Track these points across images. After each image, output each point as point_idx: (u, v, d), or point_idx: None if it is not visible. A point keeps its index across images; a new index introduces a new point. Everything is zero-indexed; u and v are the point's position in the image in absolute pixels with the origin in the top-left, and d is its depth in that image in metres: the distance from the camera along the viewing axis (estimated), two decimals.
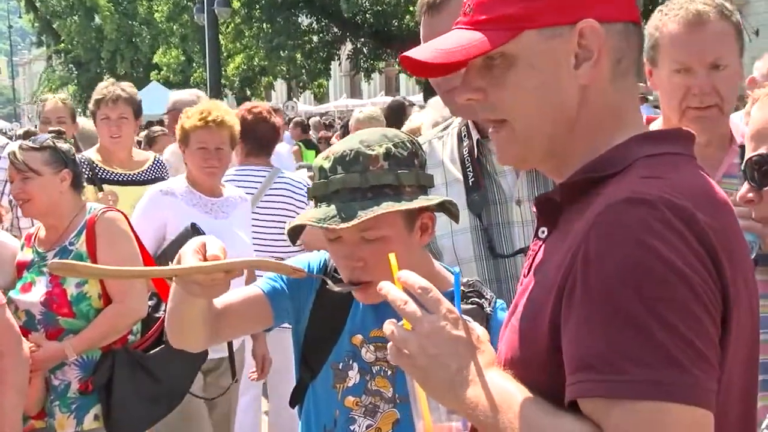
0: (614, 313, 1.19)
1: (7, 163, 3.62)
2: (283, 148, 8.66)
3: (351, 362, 2.08)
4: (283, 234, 4.06)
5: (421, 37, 2.32)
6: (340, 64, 33.30)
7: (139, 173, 4.97)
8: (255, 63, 30.04)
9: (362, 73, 29.64)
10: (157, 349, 3.56)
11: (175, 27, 37.31)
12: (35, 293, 3.48)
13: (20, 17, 63.35)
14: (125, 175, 4.93)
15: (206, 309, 1.93)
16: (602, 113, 1.37)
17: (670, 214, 1.21)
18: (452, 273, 2.00)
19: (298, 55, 27.73)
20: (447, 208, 2.03)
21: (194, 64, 36.95)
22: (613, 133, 1.37)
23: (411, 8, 21.70)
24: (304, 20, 27.69)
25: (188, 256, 1.71)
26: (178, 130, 4.23)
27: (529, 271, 1.41)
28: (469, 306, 2.01)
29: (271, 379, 4.75)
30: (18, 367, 3.29)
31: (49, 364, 3.44)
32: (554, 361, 1.26)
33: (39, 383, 3.43)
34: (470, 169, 2.44)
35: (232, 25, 27.74)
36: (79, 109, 5.84)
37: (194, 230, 3.87)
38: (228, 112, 4.25)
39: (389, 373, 2.06)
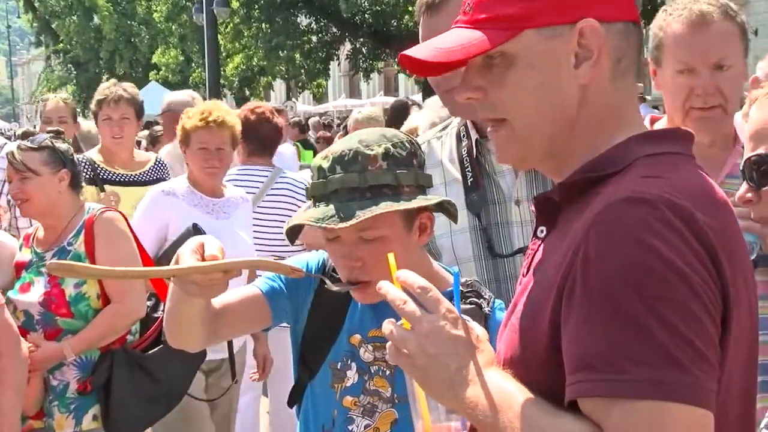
0: (614, 312, 1.19)
1: (6, 163, 3.62)
2: (287, 149, 8.63)
3: (349, 362, 2.08)
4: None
5: (420, 38, 2.31)
6: (339, 64, 33.32)
7: (140, 174, 4.97)
8: (254, 63, 30.04)
9: (361, 73, 29.67)
10: (156, 349, 3.56)
11: (173, 27, 37.31)
12: (34, 293, 3.47)
13: (19, 17, 63.37)
14: (127, 175, 4.93)
15: (204, 309, 1.93)
16: (602, 113, 1.37)
17: (670, 213, 1.21)
18: (451, 273, 2.00)
19: (297, 55, 27.74)
20: (445, 208, 2.03)
21: (193, 64, 36.96)
22: (613, 133, 1.37)
23: (410, 8, 21.72)
24: (303, 20, 27.71)
25: (186, 257, 1.71)
26: (179, 131, 4.23)
27: (528, 271, 1.41)
28: (468, 306, 2.01)
29: (271, 379, 4.76)
30: (16, 367, 3.29)
31: (47, 365, 3.44)
32: (554, 360, 1.25)
33: (37, 383, 3.43)
34: (469, 169, 2.44)
35: (231, 25, 27.75)
36: (78, 109, 5.85)
37: (196, 231, 3.87)
38: (229, 112, 4.25)
39: (388, 373, 2.06)
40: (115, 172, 4.90)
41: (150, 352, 3.57)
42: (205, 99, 7.00)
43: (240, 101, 30.51)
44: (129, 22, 43.14)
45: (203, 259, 1.70)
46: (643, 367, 1.16)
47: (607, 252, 1.21)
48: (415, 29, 2.48)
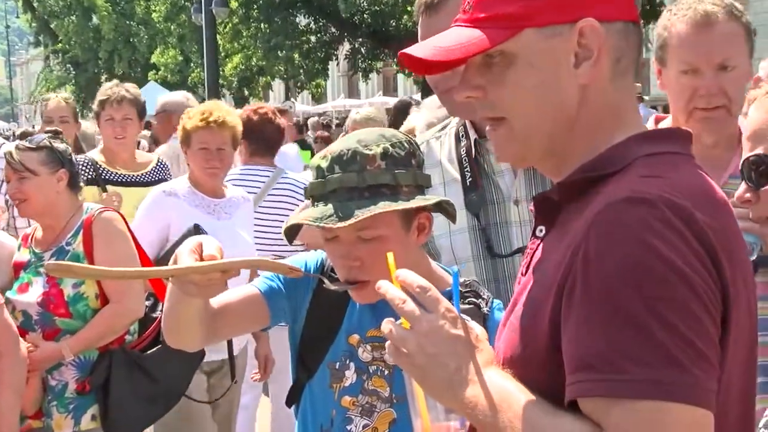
0: (614, 312, 1.18)
1: (4, 163, 3.61)
2: (292, 149, 8.57)
3: (348, 362, 2.08)
4: None
5: (418, 38, 2.31)
6: (337, 64, 33.30)
7: (142, 174, 4.98)
8: (253, 63, 30.02)
9: (360, 74, 29.65)
10: (155, 349, 3.56)
11: (172, 27, 37.29)
12: (32, 294, 3.47)
13: (17, 17, 63.35)
14: (129, 176, 4.93)
15: (203, 309, 1.93)
16: (602, 112, 1.37)
17: (670, 213, 1.21)
18: (450, 273, 2.00)
19: (296, 55, 27.72)
20: (444, 208, 2.03)
21: (192, 64, 36.94)
22: (612, 132, 1.37)
23: (409, 8, 21.70)
24: (302, 20, 27.68)
25: (184, 256, 1.71)
26: (179, 131, 4.22)
27: (527, 270, 1.41)
28: (466, 306, 2.00)
29: (272, 379, 4.76)
30: (15, 366, 3.29)
31: (46, 365, 3.44)
32: (554, 359, 1.25)
33: (36, 383, 3.43)
34: (468, 169, 2.44)
35: (230, 25, 27.72)
36: (77, 109, 5.87)
37: (197, 232, 3.86)
38: (229, 112, 4.25)
39: (386, 372, 2.06)
40: (117, 173, 4.91)
41: (148, 352, 3.57)
42: (204, 99, 7.00)
43: (239, 101, 30.51)
44: (128, 22, 43.11)
45: (201, 259, 1.70)
46: (643, 367, 1.16)
47: (607, 252, 1.20)
48: (414, 29, 2.48)
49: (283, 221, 4.90)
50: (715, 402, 1.19)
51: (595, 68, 1.35)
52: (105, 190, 4.79)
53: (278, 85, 41.10)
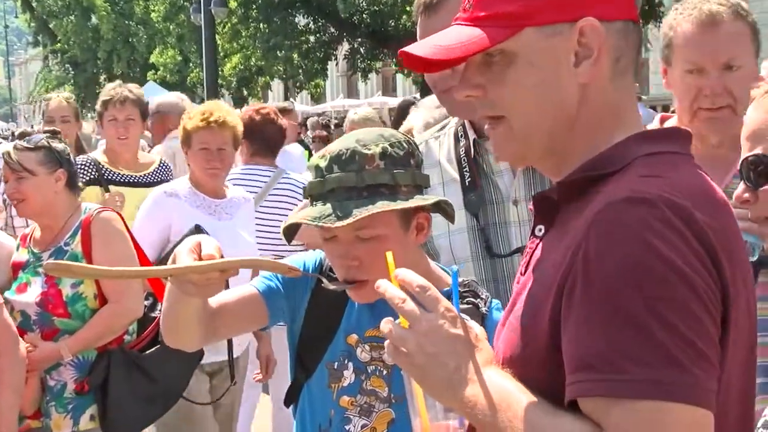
0: (614, 312, 1.18)
1: (2, 163, 3.61)
2: (296, 149, 8.53)
3: (346, 362, 2.08)
4: None
5: (417, 38, 2.31)
6: (337, 64, 33.31)
7: (145, 175, 4.98)
8: (252, 63, 30.00)
9: (359, 74, 29.63)
10: (153, 349, 3.56)
11: (171, 27, 37.27)
12: (31, 294, 3.47)
13: (16, 17, 63.32)
14: (131, 176, 4.94)
15: (201, 308, 1.93)
16: (602, 112, 1.37)
17: (670, 213, 1.21)
18: (449, 272, 1.99)
19: (295, 55, 27.70)
20: (442, 208, 2.02)
21: (191, 64, 36.91)
22: (612, 132, 1.37)
23: (408, 8, 21.70)
24: (301, 20, 27.67)
25: (183, 256, 1.71)
26: (180, 131, 4.22)
27: (526, 269, 1.41)
28: (465, 306, 2.00)
29: (273, 378, 4.76)
30: (15, 366, 3.29)
31: (44, 365, 3.43)
32: (554, 359, 1.25)
33: (35, 383, 3.43)
34: (467, 168, 2.44)
35: (229, 25, 27.71)
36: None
37: (198, 232, 3.85)
38: (230, 112, 4.25)
39: (385, 372, 2.06)
40: (119, 173, 4.91)
41: (147, 352, 3.57)
42: (203, 99, 7.00)
43: (238, 101, 30.51)
44: (127, 22, 43.09)
45: (200, 259, 1.70)
46: (643, 367, 1.16)
47: (607, 252, 1.20)
48: (413, 29, 2.48)
49: (283, 222, 4.86)
50: (715, 402, 1.19)
51: (595, 67, 1.35)
52: (107, 191, 4.79)
53: (277, 85, 41.07)
